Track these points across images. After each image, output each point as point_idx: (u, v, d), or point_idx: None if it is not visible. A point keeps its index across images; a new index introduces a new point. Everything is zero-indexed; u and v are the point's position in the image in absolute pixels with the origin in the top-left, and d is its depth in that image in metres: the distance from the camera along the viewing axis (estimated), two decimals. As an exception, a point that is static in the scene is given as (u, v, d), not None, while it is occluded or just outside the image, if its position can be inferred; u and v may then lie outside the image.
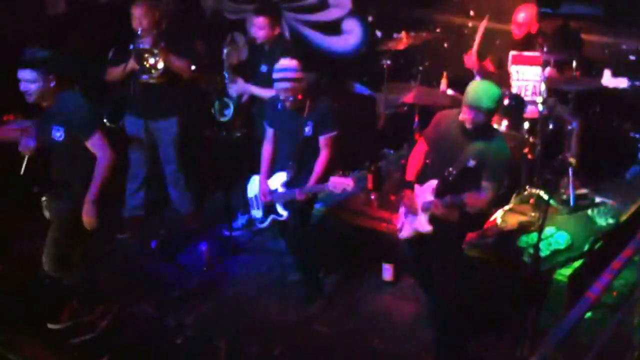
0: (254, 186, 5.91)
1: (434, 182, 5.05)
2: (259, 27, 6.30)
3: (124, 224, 6.80)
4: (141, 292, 5.94)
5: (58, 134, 5.03)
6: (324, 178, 5.42)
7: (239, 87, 6.46)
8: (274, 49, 6.29)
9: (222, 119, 6.53)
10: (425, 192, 5.07)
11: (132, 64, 6.16)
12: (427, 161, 5.33)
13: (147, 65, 6.14)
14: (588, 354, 4.01)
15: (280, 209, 5.68)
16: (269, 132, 5.82)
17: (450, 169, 4.99)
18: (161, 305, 5.75)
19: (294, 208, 5.61)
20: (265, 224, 5.87)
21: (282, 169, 5.70)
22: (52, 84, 5.01)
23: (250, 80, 6.45)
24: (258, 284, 6.07)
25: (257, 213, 5.91)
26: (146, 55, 6.10)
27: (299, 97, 5.47)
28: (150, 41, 6.15)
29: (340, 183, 5.22)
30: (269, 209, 5.77)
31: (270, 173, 5.78)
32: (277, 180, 5.69)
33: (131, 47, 6.14)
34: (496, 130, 5.26)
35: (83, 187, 5.08)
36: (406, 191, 5.24)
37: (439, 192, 5.04)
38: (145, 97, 6.24)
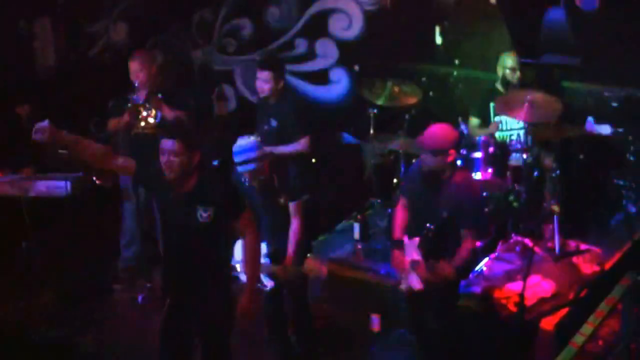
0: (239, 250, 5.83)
1: (416, 240, 5.05)
2: (264, 81, 6.27)
3: (120, 275, 6.82)
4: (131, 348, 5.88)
5: (205, 215, 4.41)
6: (301, 246, 5.32)
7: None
8: (281, 102, 6.31)
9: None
10: (411, 250, 5.07)
11: (126, 117, 6.27)
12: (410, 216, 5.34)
13: (141, 119, 6.23)
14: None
15: (264, 279, 5.41)
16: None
17: (428, 225, 4.99)
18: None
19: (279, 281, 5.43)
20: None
21: (262, 240, 5.51)
22: (196, 160, 4.38)
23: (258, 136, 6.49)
24: (247, 338, 6.03)
25: (243, 277, 5.80)
26: (139, 109, 6.20)
27: (266, 172, 5.30)
28: (145, 94, 6.27)
29: (313, 270, 5.21)
30: None
31: None
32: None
33: (129, 97, 6.25)
34: (460, 171, 5.19)
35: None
36: (394, 252, 5.21)
37: (422, 250, 5.04)
38: (138, 149, 6.29)
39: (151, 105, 6.22)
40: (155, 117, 6.26)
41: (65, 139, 4.28)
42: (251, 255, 4.60)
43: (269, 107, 6.36)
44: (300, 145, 6.19)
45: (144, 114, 6.24)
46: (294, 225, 5.33)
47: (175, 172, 4.30)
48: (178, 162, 4.27)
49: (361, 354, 5.79)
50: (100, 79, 7.10)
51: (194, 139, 4.37)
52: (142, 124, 6.27)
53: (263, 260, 5.29)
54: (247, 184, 5.38)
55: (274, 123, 6.28)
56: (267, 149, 6.10)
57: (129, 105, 6.23)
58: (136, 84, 6.28)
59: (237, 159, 5.21)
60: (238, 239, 4.81)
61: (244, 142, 5.22)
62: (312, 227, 5.59)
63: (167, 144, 4.29)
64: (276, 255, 5.36)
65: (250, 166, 5.16)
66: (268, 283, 5.44)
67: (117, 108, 6.43)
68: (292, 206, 5.35)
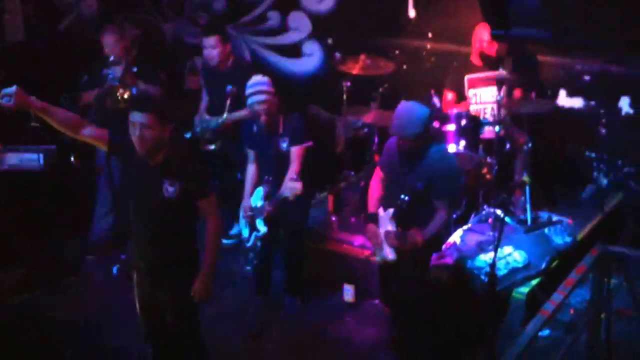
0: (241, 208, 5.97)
1: (390, 211, 5.09)
2: (212, 46, 6.35)
3: (92, 246, 6.79)
4: (104, 320, 5.89)
5: (171, 190, 4.36)
6: None
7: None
8: (235, 69, 6.32)
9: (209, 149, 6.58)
10: (385, 221, 5.11)
11: (99, 90, 6.27)
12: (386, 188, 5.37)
13: (119, 97, 6.20)
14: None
15: (259, 225, 5.71)
16: (250, 154, 5.89)
17: (402, 196, 5.03)
18: (123, 333, 5.69)
19: (272, 222, 5.69)
20: (250, 243, 5.86)
21: (262, 185, 5.78)
22: (167, 133, 4.34)
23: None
24: (219, 308, 6.04)
25: (244, 233, 5.95)
26: (117, 89, 6.19)
27: (274, 110, 5.56)
28: (122, 69, 6.26)
29: (290, 187, 5.29)
30: (252, 227, 5.80)
31: (254, 191, 5.84)
32: (258, 196, 5.76)
33: (104, 72, 6.23)
34: (436, 144, 5.22)
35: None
36: (369, 225, 5.25)
37: (396, 221, 5.07)
38: (113, 122, 6.23)
39: (127, 82, 6.18)
40: (130, 93, 6.22)
41: (33, 104, 4.24)
42: (211, 240, 4.53)
43: (222, 75, 6.42)
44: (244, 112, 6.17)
45: (121, 91, 6.21)
46: (292, 168, 5.58)
47: (146, 146, 4.26)
48: (149, 136, 4.23)
49: (335, 325, 5.82)
50: (70, 53, 7.01)
51: (165, 112, 4.32)
52: (119, 99, 6.23)
53: (260, 202, 5.65)
54: (255, 128, 5.68)
55: (229, 89, 6.28)
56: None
57: (107, 86, 6.19)
58: (111, 58, 6.25)
59: (249, 91, 5.57)
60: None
61: (258, 77, 5.63)
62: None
63: (137, 117, 4.23)
64: (273, 197, 5.59)
65: (261, 97, 5.49)
66: (262, 228, 5.65)
67: (91, 82, 6.39)
68: (294, 150, 5.61)
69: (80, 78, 6.50)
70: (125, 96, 6.18)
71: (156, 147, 4.29)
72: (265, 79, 5.61)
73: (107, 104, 6.19)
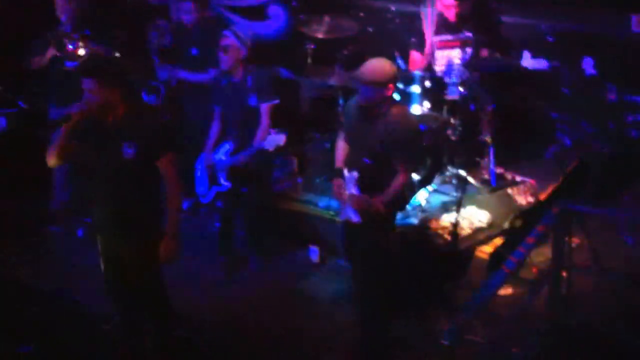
0: (200, 163, 5.97)
1: (355, 174, 5.05)
2: (187, 12, 6.26)
3: (56, 216, 6.70)
4: (69, 281, 5.84)
5: (129, 151, 4.31)
6: None
7: (167, 72, 6.40)
8: (205, 31, 6.24)
9: (152, 104, 6.46)
10: (350, 183, 5.07)
11: (52, 50, 6.07)
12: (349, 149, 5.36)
13: (68, 52, 6.02)
14: (504, 324, 4.13)
15: (222, 180, 5.74)
16: (217, 110, 5.88)
17: (364, 159, 5.00)
18: (88, 294, 5.66)
19: (236, 178, 5.72)
20: (208, 198, 5.90)
21: (227, 140, 5.79)
22: (116, 96, 4.27)
23: (179, 64, 6.40)
24: (183, 268, 6.01)
25: (201, 188, 5.95)
26: (65, 40, 6.00)
27: (236, 55, 5.59)
28: (71, 28, 6.07)
29: (272, 139, 5.36)
30: (212, 181, 5.82)
31: (216, 147, 5.84)
32: (222, 151, 5.76)
33: (49, 34, 6.05)
34: (397, 105, 5.10)
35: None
36: (335, 180, 5.23)
37: (360, 184, 5.05)
38: (68, 85, 6.11)
39: (78, 39, 6.02)
40: (83, 52, 6.06)
41: None
42: (171, 202, 4.44)
43: (191, 36, 6.34)
44: (208, 75, 6.13)
45: (70, 47, 6.02)
46: (263, 124, 5.66)
47: (93, 110, 4.23)
48: (93, 100, 4.21)
49: (299, 283, 5.86)
50: (28, 16, 6.86)
51: (112, 76, 4.28)
52: (70, 58, 6.05)
53: (224, 157, 5.71)
54: (224, 82, 5.73)
55: (194, 52, 6.28)
56: (172, 68, 6.40)
57: (53, 35, 6.02)
58: (63, 19, 6.08)
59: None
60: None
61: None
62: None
63: (83, 82, 4.23)
64: (238, 152, 5.65)
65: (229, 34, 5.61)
66: (224, 183, 5.72)
67: (40, 46, 6.23)
68: (263, 107, 5.68)
69: (29, 43, 6.35)
70: (80, 52, 6.00)
71: (104, 110, 4.26)
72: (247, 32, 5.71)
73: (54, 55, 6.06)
